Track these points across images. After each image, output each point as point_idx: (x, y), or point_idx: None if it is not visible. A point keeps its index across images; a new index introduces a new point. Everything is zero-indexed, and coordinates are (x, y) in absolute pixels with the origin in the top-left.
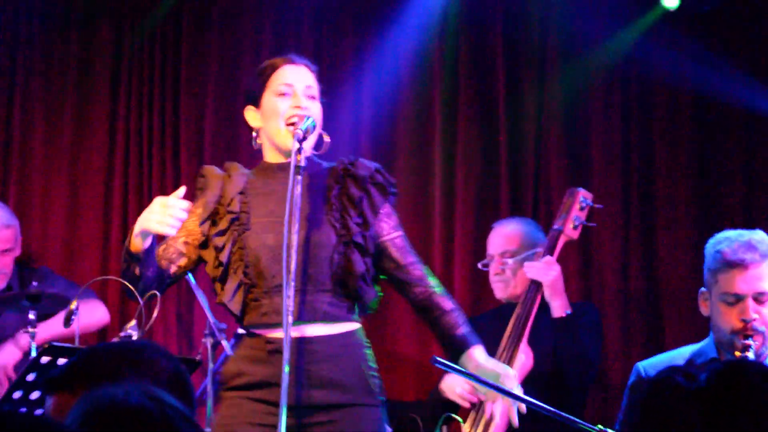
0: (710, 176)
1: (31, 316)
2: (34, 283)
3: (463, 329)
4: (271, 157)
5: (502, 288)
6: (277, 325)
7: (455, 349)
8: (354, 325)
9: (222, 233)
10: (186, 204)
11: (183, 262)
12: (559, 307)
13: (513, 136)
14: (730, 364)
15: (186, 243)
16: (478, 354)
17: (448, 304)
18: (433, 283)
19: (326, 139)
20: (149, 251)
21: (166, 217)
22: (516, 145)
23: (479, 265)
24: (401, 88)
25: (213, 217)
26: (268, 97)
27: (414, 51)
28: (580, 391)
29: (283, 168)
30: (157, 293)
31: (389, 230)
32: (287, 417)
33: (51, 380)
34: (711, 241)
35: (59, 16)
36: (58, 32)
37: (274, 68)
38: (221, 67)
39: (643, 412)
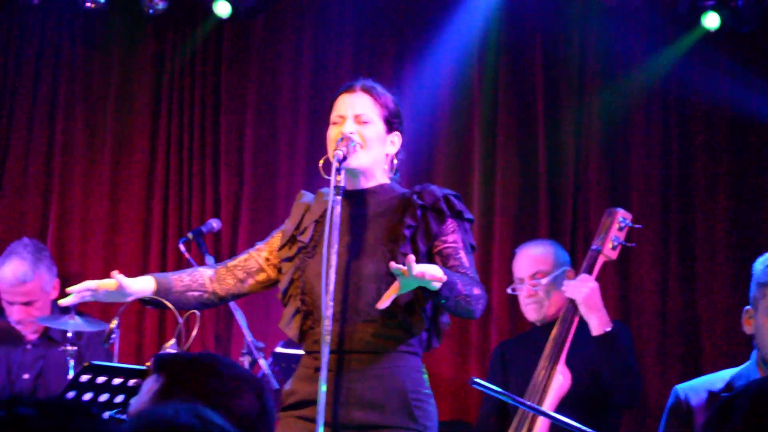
0: (749, 197)
1: (69, 333)
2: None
3: None
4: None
5: (535, 309)
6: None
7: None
8: (401, 351)
9: (289, 260)
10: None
11: (262, 277)
12: (597, 325)
13: (552, 155)
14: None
15: (267, 260)
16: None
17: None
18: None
19: (395, 161)
20: (156, 300)
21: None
22: (555, 165)
23: (509, 290)
24: (440, 107)
25: (289, 244)
26: (328, 127)
27: (454, 70)
28: (627, 408)
29: (351, 195)
30: (197, 313)
31: (439, 243)
32: None
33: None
34: (760, 258)
35: (101, 37)
36: (100, 52)
37: (335, 98)
38: (261, 86)
39: (747, 429)
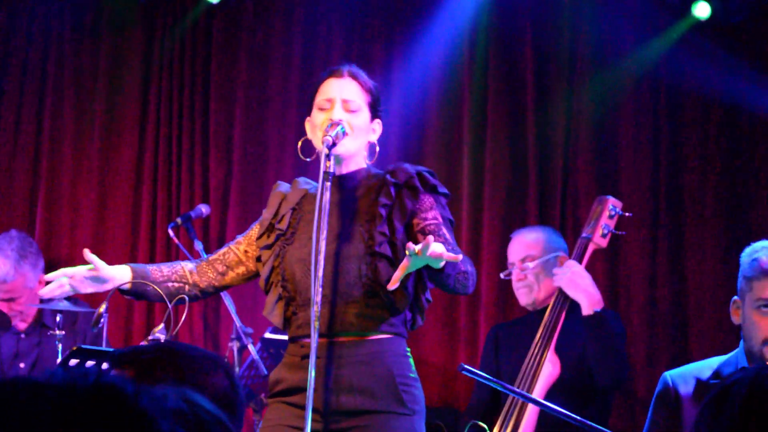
0: (739, 186)
1: (57, 318)
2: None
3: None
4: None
5: (525, 293)
6: (309, 336)
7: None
8: (386, 335)
9: (268, 247)
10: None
11: (241, 270)
12: (587, 305)
13: (541, 144)
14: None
15: (246, 252)
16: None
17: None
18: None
19: (377, 148)
20: (134, 289)
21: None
22: (545, 154)
23: (501, 275)
24: (430, 95)
25: (267, 233)
26: (313, 111)
27: (443, 60)
28: (611, 392)
29: (332, 177)
30: (186, 298)
31: (420, 221)
32: (317, 421)
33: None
34: (747, 249)
35: (90, 23)
36: (89, 38)
37: (320, 82)
38: (251, 73)
39: (744, 416)
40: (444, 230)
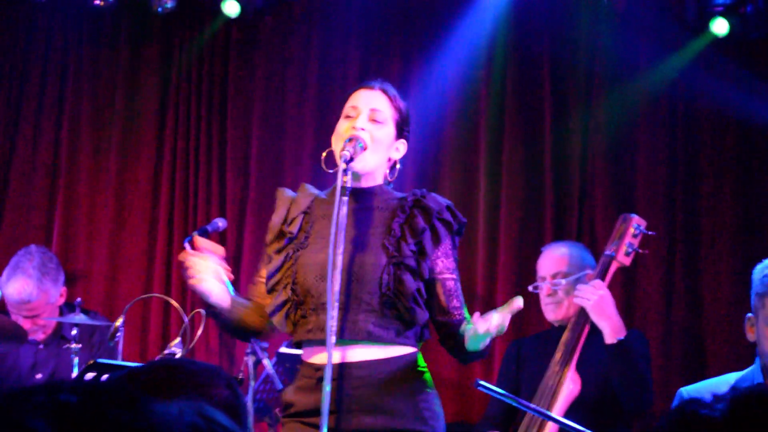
0: (755, 203)
1: (73, 331)
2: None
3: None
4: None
5: (553, 309)
6: (322, 342)
7: (460, 339)
8: (405, 350)
9: (279, 251)
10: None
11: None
12: (609, 333)
13: (558, 160)
14: (749, 391)
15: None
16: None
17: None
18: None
19: (397, 166)
20: (222, 310)
21: (190, 272)
22: (561, 170)
23: (530, 288)
24: (447, 110)
25: (278, 238)
26: (340, 120)
27: (461, 73)
28: (634, 417)
29: (351, 192)
30: (202, 312)
31: (444, 270)
32: None
33: (116, 379)
34: (759, 266)
35: (108, 37)
36: (107, 52)
37: (351, 93)
38: (268, 87)
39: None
40: (457, 286)
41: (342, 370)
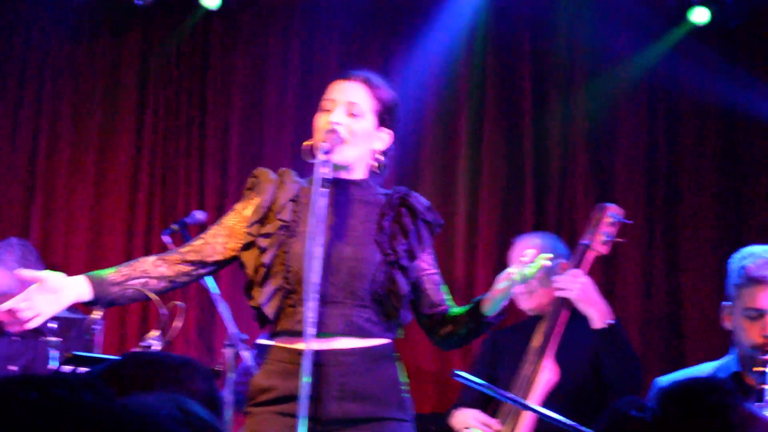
0: (736, 192)
1: (52, 325)
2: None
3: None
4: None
5: (526, 298)
6: (316, 335)
7: (473, 309)
8: (385, 340)
9: (268, 236)
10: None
11: (217, 259)
12: (598, 318)
13: (538, 149)
14: (678, 386)
15: (225, 245)
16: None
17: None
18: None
19: (382, 158)
20: (98, 298)
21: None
22: (541, 160)
23: None
24: (428, 99)
25: (263, 221)
26: (318, 113)
27: (441, 62)
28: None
29: (332, 183)
30: (180, 303)
31: (428, 267)
32: (320, 430)
33: (94, 374)
34: (735, 257)
35: (88, 29)
36: (87, 43)
37: (329, 83)
38: (248, 79)
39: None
40: (441, 280)
41: (326, 356)
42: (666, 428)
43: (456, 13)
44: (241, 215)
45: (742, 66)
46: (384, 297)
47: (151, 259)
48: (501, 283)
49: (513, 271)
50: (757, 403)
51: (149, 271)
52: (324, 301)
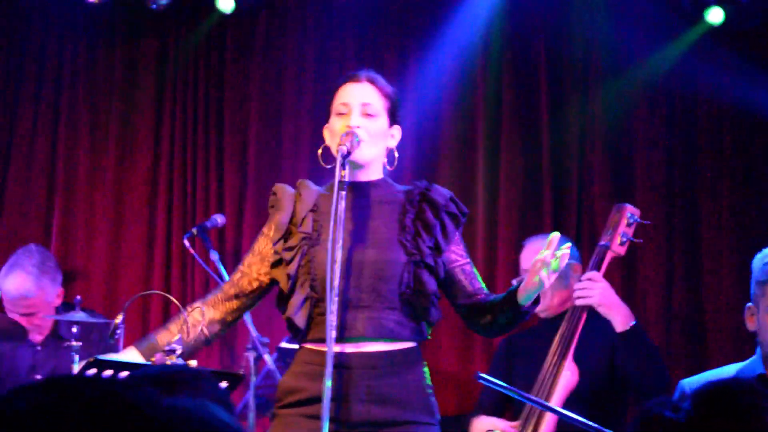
0: (755, 193)
1: (74, 329)
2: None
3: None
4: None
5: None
6: (344, 339)
7: (508, 298)
8: (411, 344)
9: (291, 249)
10: None
11: (256, 285)
12: (621, 321)
13: (556, 151)
14: (712, 387)
15: (260, 270)
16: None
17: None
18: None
19: (396, 154)
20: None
21: None
22: (559, 161)
23: (513, 282)
24: (444, 102)
25: (286, 237)
26: (331, 117)
27: (457, 64)
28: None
29: (351, 186)
30: (203, 308)
31: (457, 258)
32: None
33: None
34: (758, 255)
35: (103, 35)
36: (102, 52)
37: (338, 87)
38: (264, 81)
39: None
40: (474, 269)
41: (353, 359)
42: (699, 430)
43: (471, 13)
44: (268, 238)
45: (758, 66)
46: (412, 297)
47: (196, 306)
48: (534, 274)
49: (544, 259)
50: None
51: (198, 320)
52: (351, 305)
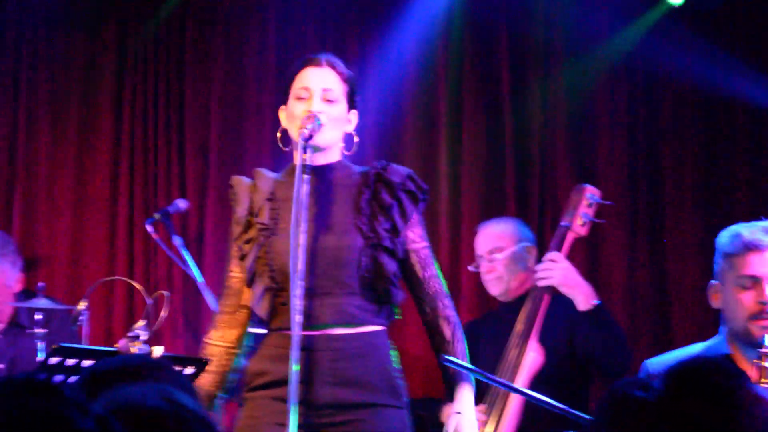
0: (717, 172)
1: (39, 316)
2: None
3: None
4: (297, 158)
5: (495, 285)
6: (308, 327)
7: (446, 383)
8: (378, 327)
9: (249, 241)
10: None
11: (244, 287)
12: (583, 300)
13: (518, 134)
14: (684, 366)
15: (240, 273)
16: (462, 392)
17: (447, 333)
18: (442, 305)
19: (356, 139)
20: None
21: None
22: (521, 144)
23: (470, 268)
24: (406, 88)
25: (246, 230)
26: (290, 100)
27: (418, 50)
28: (618, 377)
29: (312, 170)
30: (165, 293)
31: (414, 239)
32: (312, 416)
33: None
34: (725, 232)
35: (63, 18)
36: (63, 34)
37: (298, 69)
38: (225, 66)
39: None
40: (430, 254)
41: (318, 342)
42: (670, 408)
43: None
44: (234, 234)
45: (720, 46)
46: (372, 281)
47: (216, 338)
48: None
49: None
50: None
51: (232, 347)
52: (313, 293)
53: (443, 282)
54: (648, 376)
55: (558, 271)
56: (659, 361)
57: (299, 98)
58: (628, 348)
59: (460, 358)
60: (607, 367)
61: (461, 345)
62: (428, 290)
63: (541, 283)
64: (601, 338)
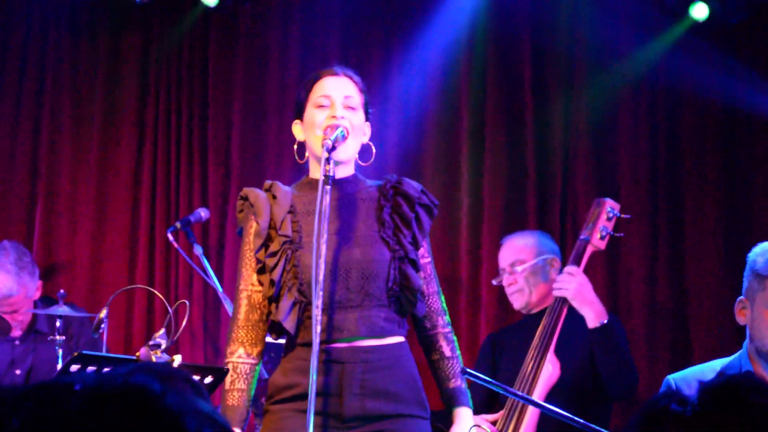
0: (738, 187)
1: (57, 323)
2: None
3: (455, 383)
4: (315, 171)
5: (517, 298)
6: (339, 339)
7: (445, 401)
8: (400, 338)
9: (274, 254)
10: None
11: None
12: (593, 318)
13: (540, 147)
14: (722, 382)
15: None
16: (460, 415)
17: (447, 350)
18: (443, 322)
19: (373, 150)
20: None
21: None
22: (543, 157)
23: (493, 282)
24: (428, 100)
25: (267, 243)
26: (309, 110)
27: (442, 60)
28: (623, 400)
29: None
30: (186, 302)
31: (423, 253)
32: (341, 428)
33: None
34: (757, 249)
35: (87, 27)
36: (86, 42)
37: (315, 80)
38: (248, 75)
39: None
40: (434, 271)
41: (347, 354)
42: (705, 424)
43: (456, 11)
44: (249, 246)
45: (742, 62)
46: (399, 293)
47: (242, 355)
48: None
49: None
50: None
51: (254, 360)
52: (341, 306)
53: (442, 299)
54: (677, 390)
55: (573, 285)
56: (682, 376)
57: (320, 106)
58: (632, 369)
59: (454, 379)
60: (611, 389)
61: (459, 362)
62: (430, 306)
63: (555, 293)
64: (606, 357)
